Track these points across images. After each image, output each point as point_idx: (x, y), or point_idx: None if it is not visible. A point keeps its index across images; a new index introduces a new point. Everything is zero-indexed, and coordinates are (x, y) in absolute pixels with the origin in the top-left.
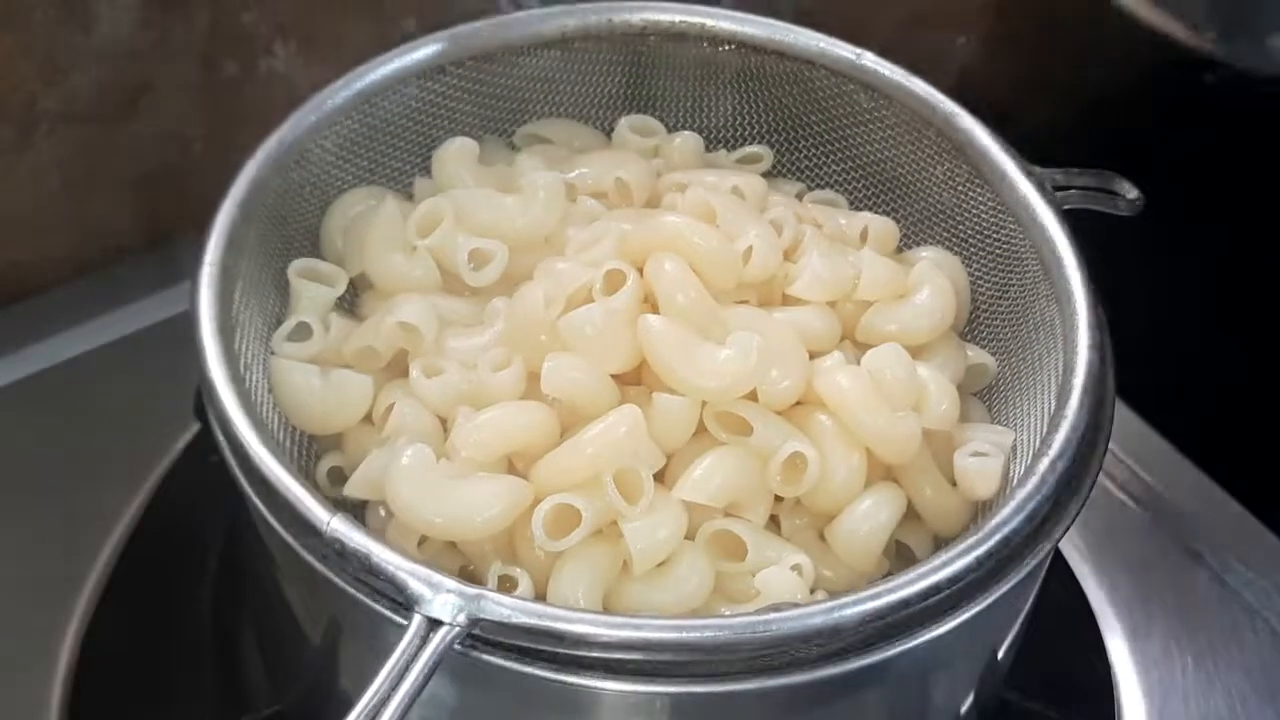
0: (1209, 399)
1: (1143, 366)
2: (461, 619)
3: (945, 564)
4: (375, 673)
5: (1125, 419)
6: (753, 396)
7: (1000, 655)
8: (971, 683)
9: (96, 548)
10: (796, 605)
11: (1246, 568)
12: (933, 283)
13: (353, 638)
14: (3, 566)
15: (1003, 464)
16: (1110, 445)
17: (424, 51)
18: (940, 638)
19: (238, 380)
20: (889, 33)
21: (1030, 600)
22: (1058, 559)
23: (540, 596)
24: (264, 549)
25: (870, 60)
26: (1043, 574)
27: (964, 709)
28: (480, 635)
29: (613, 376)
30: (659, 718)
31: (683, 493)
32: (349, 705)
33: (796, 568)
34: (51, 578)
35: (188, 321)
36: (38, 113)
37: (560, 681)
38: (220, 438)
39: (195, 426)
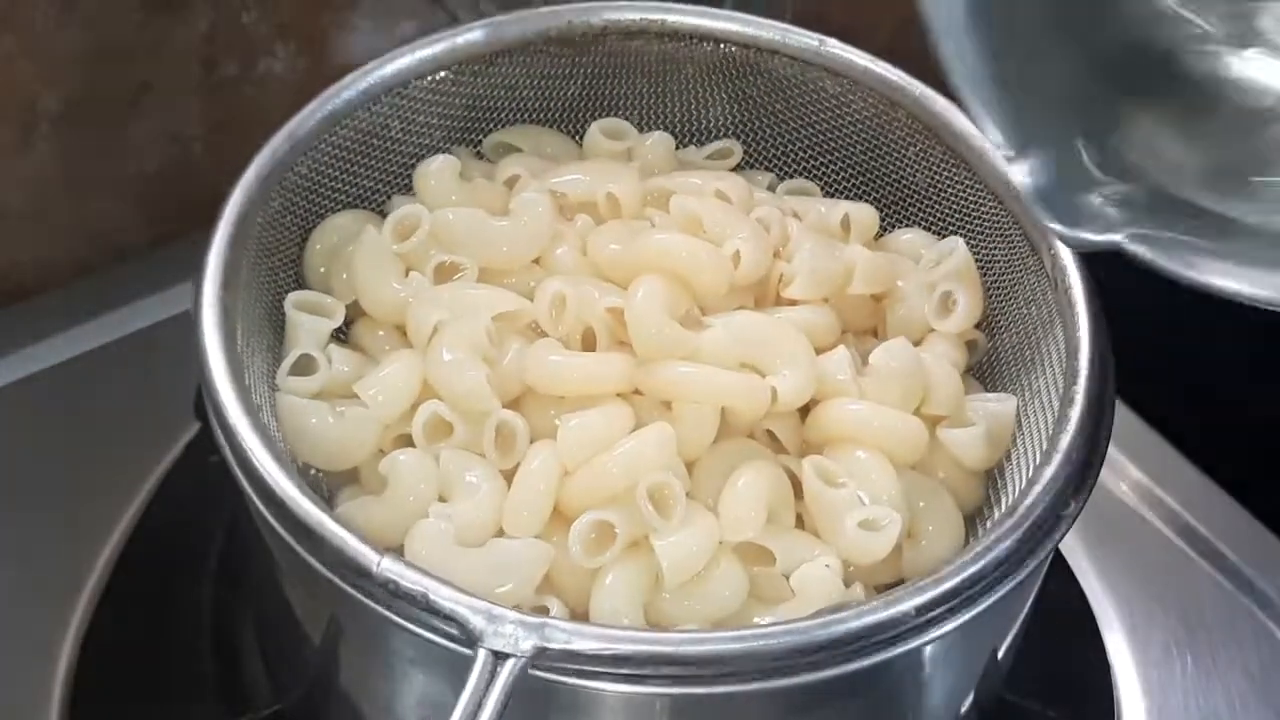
0: (1209, 399)
1: (1142, 366)
2: (526, 648)
3: (987, 550)
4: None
5: (1125, 419)
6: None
7: (1000, 655)
8: (971, 683)
9: (96, 547)
10: (854, 605)
11: (1246, 567)
12: (964, 288)
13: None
14: (3, 567)
15: (984, 431)
16: (1110, 445)
17: (390, 68)
18: (941, 638)
19: (258, 422)
20: (891, 32)
21: (1030, 600)
22: (1058, 559)
23: (576, 614)
24: (269, 554)
25: (834, 46)
26: (1043, 574)
27: (964, 709)
28: (544, 662)
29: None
30: (659, 718)
31: (730, 535)
32: (351, 705)
33: (828, 565)
34: (51, 578)
35: (188, 323)
36: (38, 113)
37: (569, 684)
38: (244, 482)
39: (195, 426)
